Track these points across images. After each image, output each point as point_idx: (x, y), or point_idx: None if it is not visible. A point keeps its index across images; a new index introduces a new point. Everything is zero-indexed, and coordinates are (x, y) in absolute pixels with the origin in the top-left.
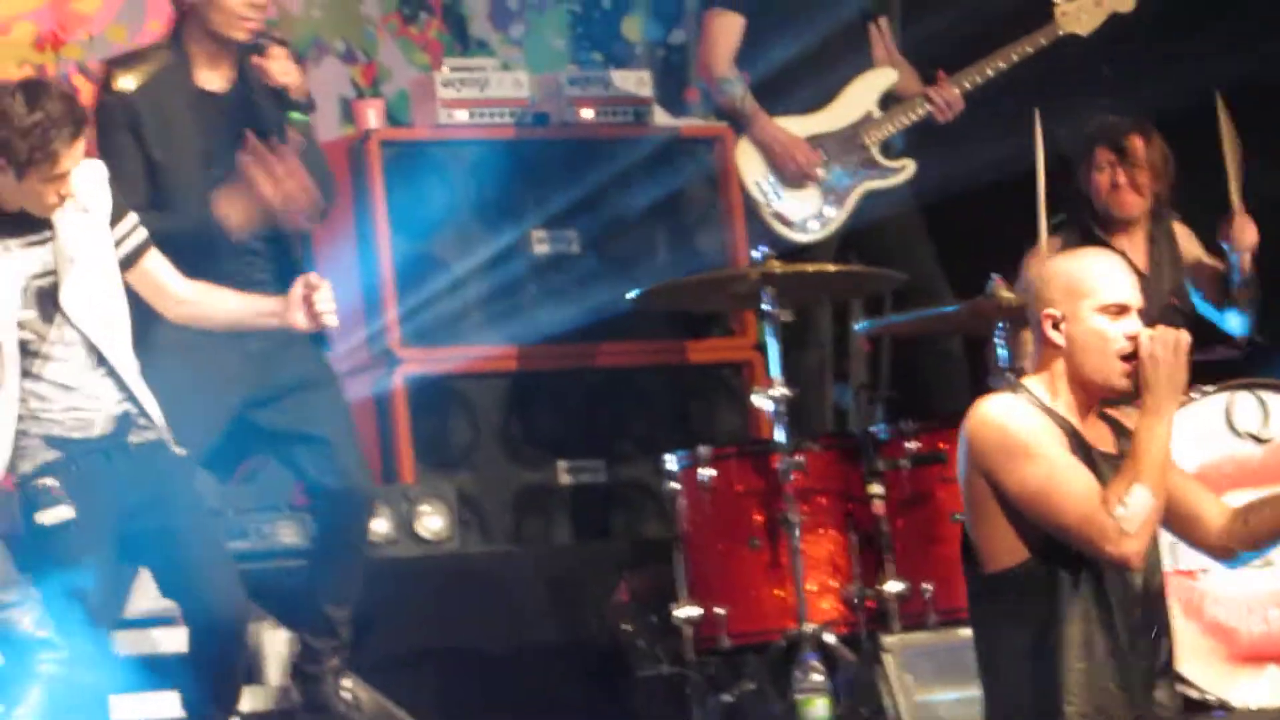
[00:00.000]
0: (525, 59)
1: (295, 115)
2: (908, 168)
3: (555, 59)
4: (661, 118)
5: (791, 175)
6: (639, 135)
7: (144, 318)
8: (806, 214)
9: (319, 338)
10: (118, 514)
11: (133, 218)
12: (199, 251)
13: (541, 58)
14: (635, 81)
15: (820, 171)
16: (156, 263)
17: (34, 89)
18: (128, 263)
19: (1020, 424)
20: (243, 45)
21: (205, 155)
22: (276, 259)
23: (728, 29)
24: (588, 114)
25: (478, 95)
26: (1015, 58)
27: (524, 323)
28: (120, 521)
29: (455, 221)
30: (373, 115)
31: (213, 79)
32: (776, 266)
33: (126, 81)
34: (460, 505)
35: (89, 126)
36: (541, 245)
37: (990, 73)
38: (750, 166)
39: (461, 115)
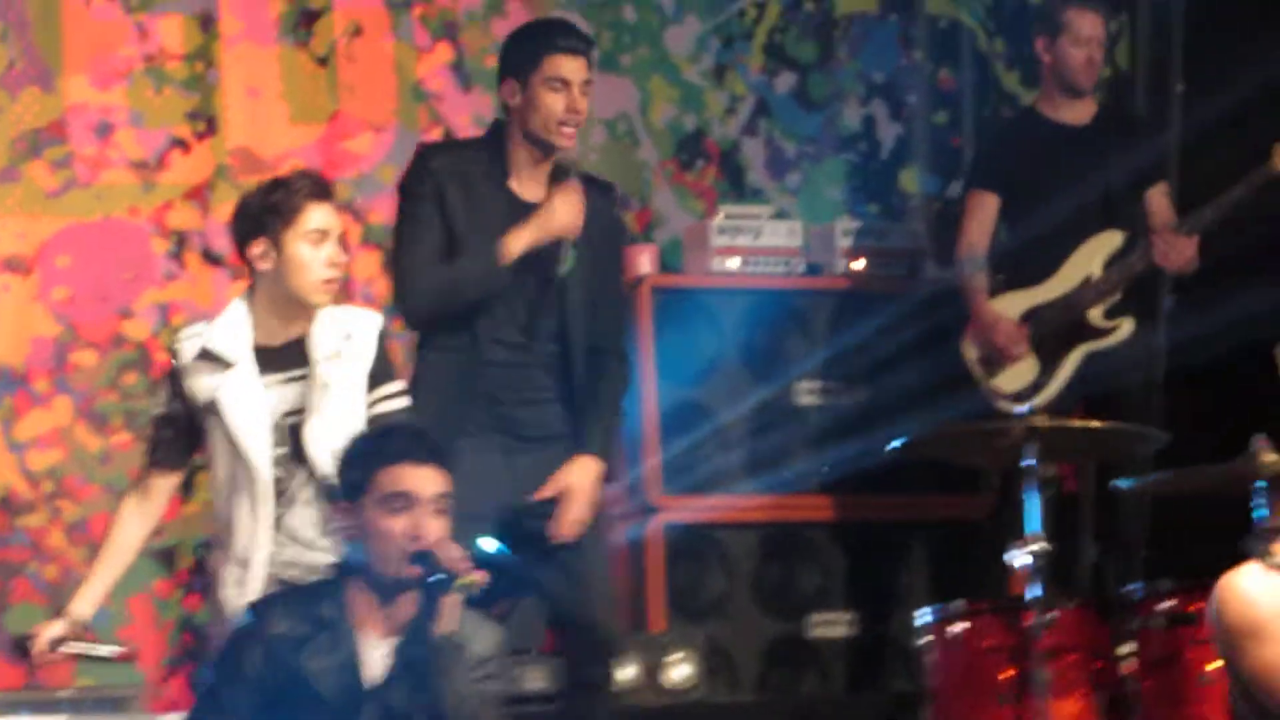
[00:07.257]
0: (800, 208)
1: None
2: (1122, 327)
3: (831, 209)
4: (934, 271)
5: (996, 353)
6: (910, 288)
7: None
8: (1021, 384)
9: None
10: None
11: (397, 385)
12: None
13: (817, 207)
14: (909, 234)
15: (1021, 348)
16: None
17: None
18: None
19: (1261, 602)
20: (558, 159)
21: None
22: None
23: (983, 208)
24: (860, 265)
25: (751, 243)
26: (1235, 200)
27: (784, 473)
28: None
29: (722, 369)
30: (645, 261)
31: (524, 185)
32: (1041, 421)
33: (438, 161)
34: (709, 654)
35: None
36: (807, 396)
37: (1212, 215)
38: (970, 342)
39: (734, 263)
